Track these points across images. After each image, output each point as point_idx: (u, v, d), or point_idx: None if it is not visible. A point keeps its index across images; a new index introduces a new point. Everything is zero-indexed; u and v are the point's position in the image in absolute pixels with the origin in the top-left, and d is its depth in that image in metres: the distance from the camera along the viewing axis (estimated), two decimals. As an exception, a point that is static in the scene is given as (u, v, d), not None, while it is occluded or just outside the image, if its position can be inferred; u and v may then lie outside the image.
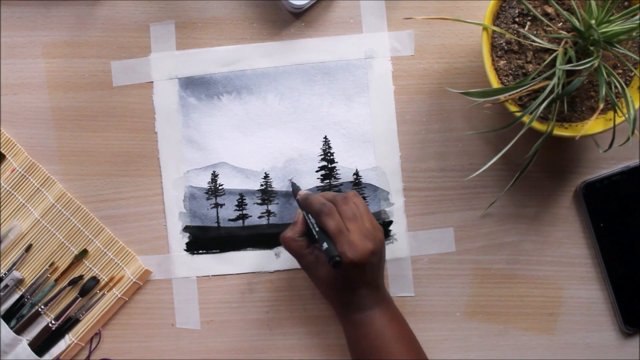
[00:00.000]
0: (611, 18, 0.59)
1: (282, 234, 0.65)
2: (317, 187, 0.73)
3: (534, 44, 0.62)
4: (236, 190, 0.73)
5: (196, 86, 0.73)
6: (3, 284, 0.73)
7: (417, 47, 0.73)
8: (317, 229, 0.62)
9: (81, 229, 0.73)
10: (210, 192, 0.73)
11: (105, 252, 0.73)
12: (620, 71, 0.64)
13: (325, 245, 0.60)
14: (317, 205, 0.63)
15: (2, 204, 0.73)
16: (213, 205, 0.73)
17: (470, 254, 0.72)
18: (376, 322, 0.63)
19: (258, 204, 0.73)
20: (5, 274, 0.73)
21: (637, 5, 0.61)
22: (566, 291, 0.72)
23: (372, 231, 0.62)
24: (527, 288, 0.72)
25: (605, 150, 0.61)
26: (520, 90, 0.60)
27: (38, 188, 0.73)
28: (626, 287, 0.71)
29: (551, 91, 0.58)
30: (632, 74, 0.62)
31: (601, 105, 0.57)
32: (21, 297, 0.73)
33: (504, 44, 0.64)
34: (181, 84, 0.73)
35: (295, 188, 0.71)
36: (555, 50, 0.60)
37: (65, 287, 0.73)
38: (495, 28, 0.63)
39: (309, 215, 0.64)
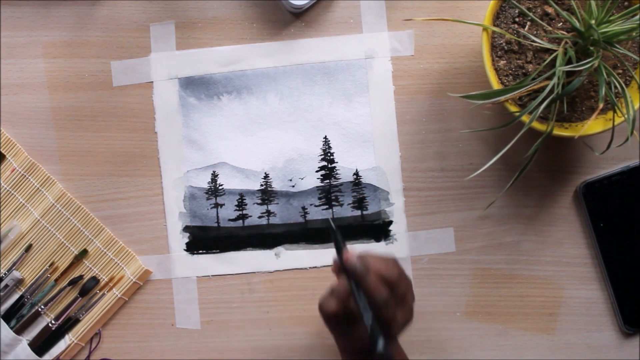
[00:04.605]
0: (611, 18, 0.59)
1: (323, 305, 0.57)
2: (317, 187, 0.73)
3: (534, 44, 0.62)
4: (236, 190, 0.73)
5: (196, 86, 0.73)
6: (3, 284, 0.73)
7: (417, 47, 0.73)
8: (368, 314, 0.55)
9: (81, 229, 0.73)
10: (210, 192, 0.73)
11: (105, 252, 0.73)
12: (620, 71, 0.64)
13: (380, 346, 0.54)
14: (379, 298, 0.54)
15: (2, 204, 0.73)
16: (213, 205, 0.73)
17: (470, 254, 0.72)
18: None
19: (258, 204, 0.73)
20: (5, 274, 0.73)
21: (637, 5, 0.61)
22: (566, 291, 0.72)
23: (413, 304, 0.59)
24: (527, 288, 0.72)
25: (603, 152, 0.61)
26: (520, 91, 0.60)
27: (38, 188, 0.73)
28: (626, 287, 0.71)
29: (551, 91, 0.58)
30: (632, 74, 0.62)
31: (601, 105, 0.57)
32: (21, 297, 0.73)
33: (504, 44, 0.64)
34: (181, 84, 0.73)
35: (337, 239, 0.58)
36: (555, 50, 0.60)
37: (65, 287, 0.73)
38: (495, 28, 0.63)
39: (358, 295, 0.56)
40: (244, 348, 0.73)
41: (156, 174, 0.73)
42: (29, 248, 0.73)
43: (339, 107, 0.73)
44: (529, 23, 0.64)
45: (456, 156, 0.72)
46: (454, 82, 0.72)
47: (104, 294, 0.73)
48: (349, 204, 0.73)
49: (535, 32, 0.64)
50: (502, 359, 0.72)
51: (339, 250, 0.58)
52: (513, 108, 0.63)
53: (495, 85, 0.63)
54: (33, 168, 0.73)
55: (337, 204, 0.73)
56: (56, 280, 0.73)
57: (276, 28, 0.73)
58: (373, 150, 0.73)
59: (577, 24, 0.60)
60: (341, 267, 0.57)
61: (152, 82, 0.73)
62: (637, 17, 0.58)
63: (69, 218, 0.73)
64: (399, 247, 0.72)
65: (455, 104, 0.72)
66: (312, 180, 0.73)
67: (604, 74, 0.58)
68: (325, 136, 0.73)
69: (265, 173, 0.73)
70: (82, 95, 0.73)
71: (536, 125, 0.62)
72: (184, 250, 0.73)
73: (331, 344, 0.72)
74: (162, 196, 0.73)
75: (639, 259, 0.71)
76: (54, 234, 0.73)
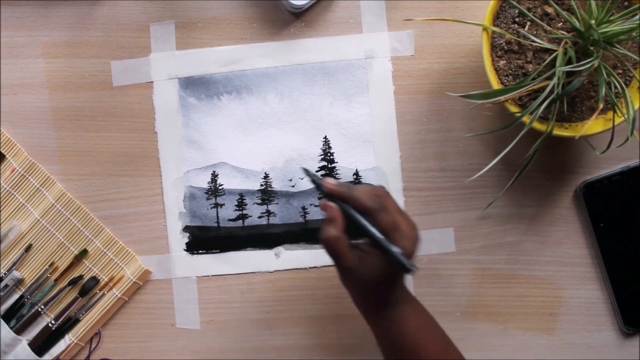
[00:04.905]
0: (611, 18, 0.59)
1: (326, 234, 0.57)
2: (317, 187, 0.73)
3: (534, 44, 0.62)
4: (236, 190, 0.73)
5: (196, 86, 0.73)
6: (3, 284, 0.73)
7: (417, 47, 0.73)
8: (373, 229, 0.57)
9: (81, 229, 0.73)
10: (210, 192, 0.73)
11: (105, 252, 0.73)
12: (620, 71, 0.64)
13: (395, 249, 0.56)
14: (370, 202, 0.57)
15: (2, 204, 0.73)
16: (213, 205, 0.73)
17: (470, 254, 0.72)
18: (411, 316, 0.60)
19: (258, 204, 0.73)
20: (5, 274, 0.73)
21: (637, 5, 0.61)
22: (566, 291, 0.72)
23: (411, 219, 0.60)
24: (527, 288, 0.72)
25: (603, 152, 0.61)
26: (520, 91, 0.60)
27: (38, 188, 0.73)
28: (626, 287, 0.71)
29: (551, 91, 0.58)
30: (632, 74, 0.62)
31: (601, 106, 0.57)
32: (21, 297, 0.73)
33: (504, 44, 0.64)
34: (181, 84, 0.73)
35: (313, 176, 0.61)
36: (555, 50, 0.60)
37: (65, 287, 0.73)
38: (495, 28, 0.63)
39: (352, 211, 0.58)
40: (244, 348, 0.73)
41: (156, 174, 0.73)
42: (29, 248, 0.73)
43: (339, 107, 0.73)
44: (529, 23, 0.64)
45: (456, 156, 0.72)
46: (454, 82, 0.72)
47: (104, 294, 0.73)
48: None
49: (535, 32, 0.64)
50: (502, 359, 0.72)
51: (319, 184, 0.59)
52: (513, 108, 0.63)
53: (495, 85, 0.63)
54: (33, 168, 0.73)
55: (337, 204, 0.73)
56: (56, 280, 0.73)
57: (276, 28, 0.73)
58: (373, 150, 0.73)
59: (577, 24, 0.60)
60: (326, 195, 0.59)
61: (152, 82, 0.73)
62: (637, 17, 0.58)
63: (69, 218, 0.73)
64: (399, 247, 0.72)
65: (455, 104, 0.72)
66: (312, 180, 0.73)
67: (604, 74, 0.58)
68: (325, 136, 0.73)
69: (265, 173, 0.73)
70: (82, 95, 0.73)
71: (536, 125, 0.62)
72: (184, 250, 0.73)
73: (331, 344, 0.72)
74: (162, 196, 0.73)
75: (639, 259, 0.71)
76: (54, 234, 0.73)
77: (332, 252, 0.58)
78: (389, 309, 0.60)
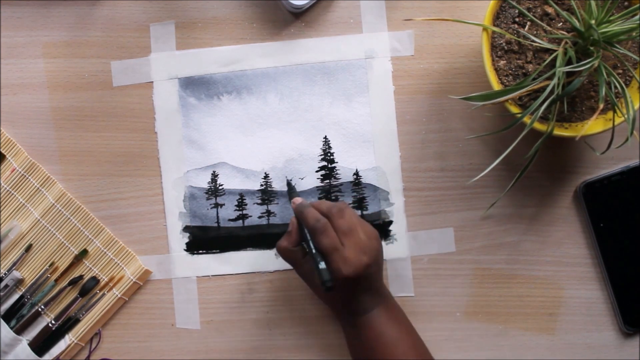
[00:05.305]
0: (611, 18, 0.59)
1: (278, 244, 0.65)
2: (317, 187, 0.73)
3: (534, 44, 0.62)
4: (236, 190, 0.73)
5: (196, 86, 0.73)
6: (3, 284, 0.73)
7: (417, 47, 0.73)
8: (312, 246, 0.62)
9: (81, 229, 0.73)
10: (210, 192, 0.73)
11: (105, 252, 0.73)
12: (620, 71, 0.64)
13: (322, 265, 0.60)
14: (312, 222, 0.62)
15: (2, 204, 0.73)
16: (213, 205, 0.73)
17: (470, 254, 0.72)
18: (375, 323, 0.63)
19: (258, 204, 0.73)
20: (5, 274, 0.73)
21: (637, 5, 0.61)
22: (566, 291, 0.72)
23: (367, 242, 0.62)
24: (527, 288, 0.72)
25: (603, 152, 0.61)
26: (521, 92, 0.60)
27: (38, 188, 0.73)
28: (626, 287, 0.71)
29: (551, 91, 0.58)
30: (632, 74, 0.62)
31: (601, 106, 0.57)
32: (21, 297, 0.73)
33: (504, 44, 0.64)
34: (181, 84, 0.73)
35: (291, 190, 0.70)
36: (555, 50, 0.60)
37: (65, 287, 0.73)
38: (495, 28, 0.63)
39: (303, 226, 0.64)
40: (244, 348, 0.73)
41: (156, 174, 0.73)
42: (29, 248, 0.73)
43: (339, 107, 0.73)
44: (529, 23, 0.64)
45: (456, 156, 0.72)
46: (454, 82, 0.72)
47: (104, 294, 0.73)
48: (349, 204, 0.73)
49: (535, 32, 0.64)
50: (502, 359, 0.72)
51: (290, 196, 0.68)
52: (513, 108, 0.63)
53: (495, 85, 0.63)
54: (33, 168, 0.73)
55: (337, 204, 0.73)
56: (56, 280, 0.73)
57: (276, 28, 0.73)
58: (373, 150, 0.73)
59: (577, 24, 0.60)
60: (293, 210, 0.66)
61: (152, 82, 0.73)
62: (637, 17, 0.58)
63: (69, 218, 0.73)
64: (399, 247, 0.72)
65: (455, 104, 0.72)
66: (312, 180, 0.73)
67: (604, 74, 0.58)
68: (325, 136, 0.73)
69: (265, 173, 0.73)
70: (82, 95, 0.73)
71: (537, 125, 0.62)
72: (184, 250, 0.73)
73: (331, 344, 0.73)
74: (162, 196, 0.73)
75: (639, 259, 0.71)
76: (54, 234, 0.73)
77: (286, 259, 0.65)
78: (354, 316, 0.63)
